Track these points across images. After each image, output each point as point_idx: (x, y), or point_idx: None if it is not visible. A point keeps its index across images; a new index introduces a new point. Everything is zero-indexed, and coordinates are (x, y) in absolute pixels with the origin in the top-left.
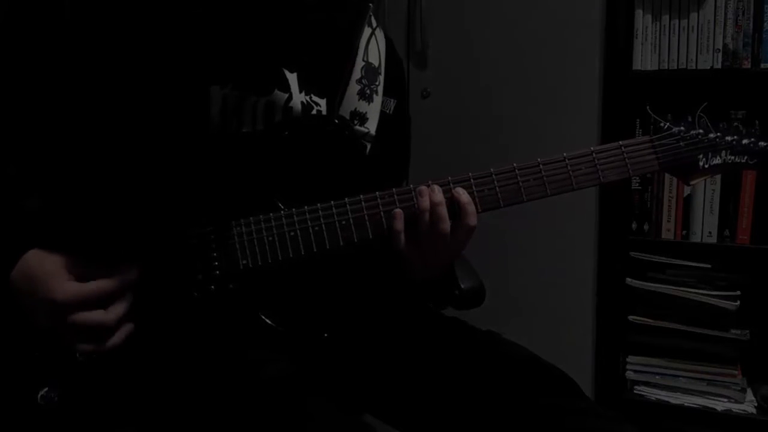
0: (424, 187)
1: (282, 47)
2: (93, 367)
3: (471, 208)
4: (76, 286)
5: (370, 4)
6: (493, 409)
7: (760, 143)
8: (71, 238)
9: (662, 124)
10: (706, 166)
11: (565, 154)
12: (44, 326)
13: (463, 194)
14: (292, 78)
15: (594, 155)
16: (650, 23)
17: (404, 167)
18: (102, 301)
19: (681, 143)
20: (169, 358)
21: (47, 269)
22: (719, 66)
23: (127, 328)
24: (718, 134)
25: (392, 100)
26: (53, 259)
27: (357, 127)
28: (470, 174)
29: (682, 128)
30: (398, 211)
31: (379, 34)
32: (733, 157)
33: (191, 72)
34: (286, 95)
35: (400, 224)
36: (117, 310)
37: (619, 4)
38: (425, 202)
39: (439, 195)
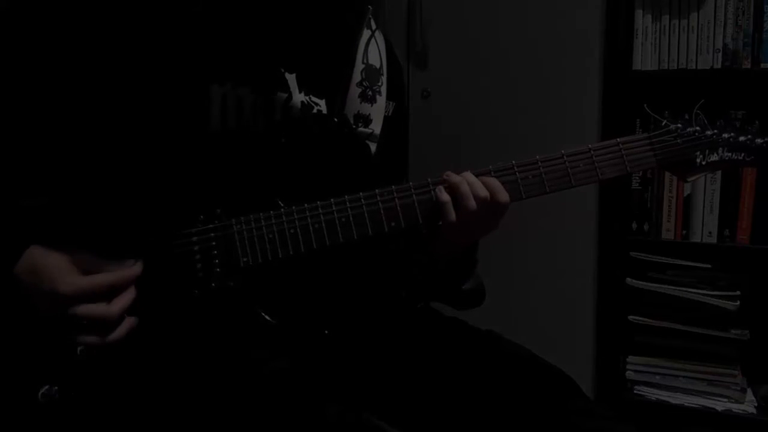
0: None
1: (281, 48)
2: (94, 364)
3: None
4: (80, 279)
5: (369, 6)
6: (493, 409)
7: (756, 140)
8: (73, 235)
9: (661, 123)
10: (704, 163)
11: (563, 151)
12: (49, 319)
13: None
14: (291, 78)
15: (592, 152)
16: (650, 23)
17: (404, 168)
18: (105, 294)
19: (678, 140)
20: (170, 356)
21: (51, 262)
22: (719, 66)
23: (129, 322)
24: (715, 131)
25: (391, 103)
26: (57, 253)
27: (361, 129)
28: (469, 171)
29: (679, 125)
30: (440, 186)
31: (379, 36)
32: (730, 154)
33: (191, 70)
34: (286, 95)
35: (446, 195)
36: (120, 303)
37: (619, 4)
38: (455, 178)
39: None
